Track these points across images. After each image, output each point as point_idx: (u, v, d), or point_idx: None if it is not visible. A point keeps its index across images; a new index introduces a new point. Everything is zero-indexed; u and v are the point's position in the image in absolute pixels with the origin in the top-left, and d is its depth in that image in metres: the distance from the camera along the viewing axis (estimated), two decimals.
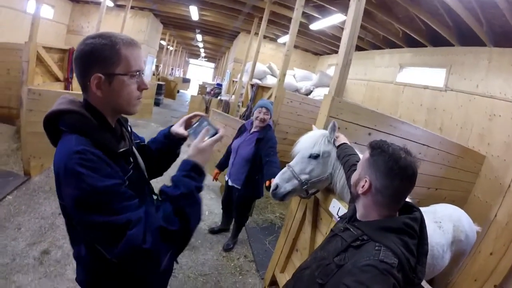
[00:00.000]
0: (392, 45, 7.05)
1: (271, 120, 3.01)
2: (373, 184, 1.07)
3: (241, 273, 3.06)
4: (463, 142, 4.60)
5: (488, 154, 4.35)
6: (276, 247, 2.85)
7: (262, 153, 2.82)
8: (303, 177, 1.91)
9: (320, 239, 2.19)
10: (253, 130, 3.03)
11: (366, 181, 1.08)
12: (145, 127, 8.17)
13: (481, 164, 4.35)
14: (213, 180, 3.43)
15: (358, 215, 1.16)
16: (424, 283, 1.26)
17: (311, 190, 2.04)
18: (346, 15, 5.85)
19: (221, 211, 3.69)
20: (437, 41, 5.65)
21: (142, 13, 9.83)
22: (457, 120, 5.07)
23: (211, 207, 4.30)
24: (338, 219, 1.62)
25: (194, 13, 8.94)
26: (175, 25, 12.78)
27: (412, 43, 6.38)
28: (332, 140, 1.98)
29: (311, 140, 1.99)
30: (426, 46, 6.02)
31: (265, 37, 9.36)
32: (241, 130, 3.20)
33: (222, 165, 3.35)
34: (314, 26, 7.11)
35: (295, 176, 1.91)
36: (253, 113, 3.04)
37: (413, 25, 5.71)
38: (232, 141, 3.23)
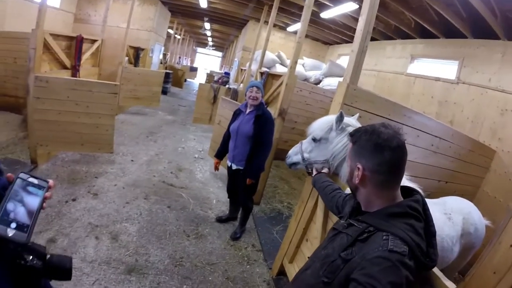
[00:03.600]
0: (404, 36, 6.91)
1: (262, 99, 3.13)
2: (366, 167, 1.05)
3: (248, 263, 3.09)
4: (474, 136, 4.53)
5: (499, 149, 4.30)
6: (285, 236, 2.85)
7: (261, 132, 3.00)
8: (305, 155, 2.14)
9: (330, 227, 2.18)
10: (248, 110, 3.12)
11: (358, 168, 1.06)
12: (153, 115, 8.21)
13: (491, 159, 4.30)
14: (215, 170, 3.51)
15: (362, 206, 1.14)
16: (436, 270, 1.25)
17: (310, 169, 2.17)
18: (358, 3, 5.85)
19: (228, 200, 3.72)
20: (450, 32, 5.53)
21: (150, 0, 9.73)
22: (468, 114, 5.01)
23: (219, 195, 4.32)
24: None
25: (203, 1, 8.84)
26: (183, 13, 12.66)
27: (425, 34, 6.25)
28: (339, 128, 2.01)
29: (318, 124, 2.14)
30: (438, 38, 5.89)
31: (274, 25, 9.21)
32: (237, 113, 3.24)
33: (221, 153, 3.40)
34: (325, 15, 6.98)
35: (300, 151, 2.16)
36: (245, 94, 3.13)
37: (426, 16, 5.58)
38: (229, 127, 3.26)
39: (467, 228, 2.31)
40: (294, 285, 1.28)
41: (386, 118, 2.51)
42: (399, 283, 0.85)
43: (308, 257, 1.37)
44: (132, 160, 4.75)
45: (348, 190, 1.75)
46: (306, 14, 4.39)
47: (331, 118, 2.08)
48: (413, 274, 0.90)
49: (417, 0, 5.38)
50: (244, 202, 3.36)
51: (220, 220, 3.66)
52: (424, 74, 6.26)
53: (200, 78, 23.00)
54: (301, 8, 7.73)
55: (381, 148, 1.01)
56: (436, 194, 3.11)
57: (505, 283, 1.12)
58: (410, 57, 6.75)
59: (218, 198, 4.24)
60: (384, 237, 0.95)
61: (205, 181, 4.69)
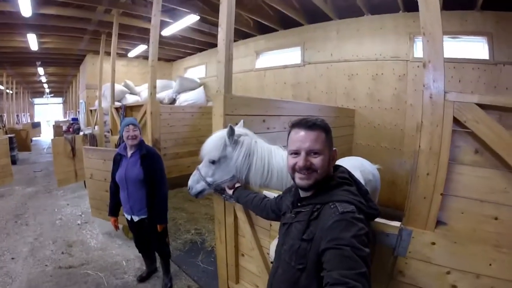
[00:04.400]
0: (245, 36, 7.44)
1: (141, 136, 2.83)
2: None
3: None
4: (333, 104, 5.34)
5: (356, 107, 5.19)
6: (218, 261, 2.65)
7: (153, 172, 2.75)
8: (209, 179, 2.01)
9: (263, 234, 2.12)
10: (130, 152, 2.77)
11: (335, 151, 1.23)
12: (11, 193, 6.47)
13: (353, 117, 5.14)
14: (116, 230, 3.09)
15: (312, 187, 1.18)
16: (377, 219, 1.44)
17: (219, 189, 2.11)
18: (198, 14, 5.98)
19: (139, 254, 3.28)
20: (288, 23, 6.29)
21: None
22: (321, 88, 5.83)
23: (125, 254, 3.72)
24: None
25: (33, 42, 7.62)
26: (12, 61, 11.03)
27: (264, 30, 6.92)
28: (233, 142, 1.96)
29: (210, 145, 2.00)
30: (278, 30, 6.61)
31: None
32: (118, 160, 2.84)
33: (114, 209, 2.96)
34: (166, 32, 6.85)
35: (202, 178, 2.02)
36: (121, 136, 2.81)
37: (262, 13, 6.16)
38: (113, 178, 2.85)
39: (367, 177, 2.75)
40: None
41: (265, 115, 2.66)
42: (359, 234, 0.99)
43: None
44: (12, 258, 3.63)
45: (270, 194, 1.83)
46: (154, 35, 4.21)
47: (220, 134, 2.01)
48: (366, 225, 1.06)
49: (251, 0, 5.85)
50: (161, 249, 3.02)
51: (142, 279, 3.16)
52: (272, 65, 6.94)
53: (46, 134, 20.34)
54: (140, 30, 7.47)
55: (330, 130, 1.21)
56: None
57: (435, 201, 1.38)
58: (255, 53, 7.34)
59: (127, 257, 3.64)
60: (332, 206, 1.09)
61: (102, 246, 3.97)
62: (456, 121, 1.35)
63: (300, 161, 1.15)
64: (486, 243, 1.25)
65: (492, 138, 1.27)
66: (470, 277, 1.25)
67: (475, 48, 4.50)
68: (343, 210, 1.04)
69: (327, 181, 1.17)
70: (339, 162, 2.83)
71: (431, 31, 1.39)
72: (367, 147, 5.08)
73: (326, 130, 1.18)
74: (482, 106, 1.30)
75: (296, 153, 1.18)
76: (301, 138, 1.16)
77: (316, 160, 1.14)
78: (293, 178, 1.21)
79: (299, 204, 1.25)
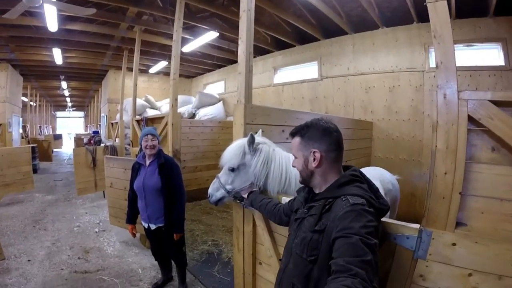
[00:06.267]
0: (263, 52, 7.64)
1: (160, 145, 2.91)
2: (321, 149, 1.23)
3: None
4: (350, 117, 5.32)
5: (374, 120, 5.15)
6: (235, 270, 2.62)
7: (170, 180, 2.79)
8: (228, 187, 2.05)
9: (280, 241, 2.10)
10: (149, 161, 2.83)
11: (314, 152, 1.24)
12: (31, 200, 6.69)
13: (371, 129, 5.10)
14: (133, 237, 3.14)
15: (317, 189, 1.29)
16: (396, 221, 1.47)
17: (239, 197, 2.12)
18: (218, 31, 6.18)
19: (155, 262, 3.29)
20: (305, 39, 6.43)
21: None
22: (339, 101, 5.84)
23: (142, 262, 3.73)
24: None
25: (57, 56, 7.97)
26: (37, 74, 11.43)
27: (282, 46, 7.08)
28: (252, 150, 2.00)
29: (230, 153, 2.05)
30: (295, 46, 6.73)
31: None
32: (136, 168, 2.91)
33: (132, 217, 3.01)
34: (187, 48, 7.10)
35: (222, 186, 2.06)
36: (140, 145, 2.89)
37: (280, 29, 6.33)
38: (131, 186, 2.91)
39: (387, 187, 2.73)
40: (282, 285, 1.32)
41: (284, 125, 2.71)
42: (368, 225, 1.03)
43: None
44: (29, 260, 3.72)
45: (288, 199, 1.81)
46: (176, 50, 4.36)
47: (240, 143, 2.06)
48: (375, 218, 1.09)
49: (268, 17, 6.03)
50: (177, 258, 3.02)
51: (157, 287, 3.15)
52: (289, 80, 7.03)
53: (67, 146, 20.96)
54: (162, 47, 7.76)
55: (328, 131, 1.24)
56: None
57: (454, 201, 1.36)
58: (273, 69, 7.50)
59: (143, 266, 3.65)
60: (343, 199, 1.13)
61: (119, 253, 4.00)
62: (471, 119, 1.36)
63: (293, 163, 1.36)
64: (509, 242, 1.21)
65: (508, 134, 1.27)
66: (492, 278, 1.20)
67: (490, 55, 4.45)
68: (354, 202, 1.09)
69: (339, 179, 1.23)
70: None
71: (441, 33, 1.42)
72: (385, 160, 5.00)
73: (302, 135, 1.29)
74: (496, 102, 1.31)
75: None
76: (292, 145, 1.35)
77: (296, 163, 1.32)
78: None
79: (311, 201, 1.31)
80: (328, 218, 1.14)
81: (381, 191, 2.63)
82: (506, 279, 1.18)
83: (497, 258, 1.20)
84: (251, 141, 1.97)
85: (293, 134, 1.33)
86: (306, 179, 1.30)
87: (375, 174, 2.83)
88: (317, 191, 1.30)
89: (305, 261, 1.17)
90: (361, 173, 1.30)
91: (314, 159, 1.23)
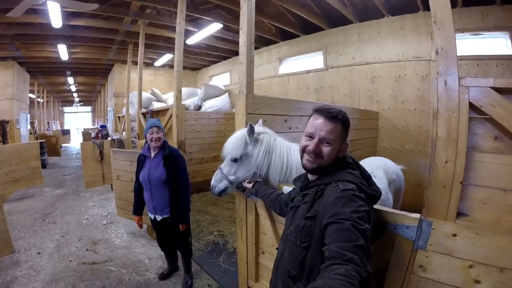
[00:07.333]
0: (268, 42, 7.56)
1: (165, 137, 2.91)
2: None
3: None
4: (356, 107, 5.25)
5: (380, 110, 5.07)
6: (238, 260, 2.66)
7: (175, 172, 2.78)
8: (231, 177, 2.07)
9: (282, 230, 2.11)
10: (154, 153, 2.85)
11: (347, 144, 1.26)
12: (40, 194, 6.84)
13: (377, 119, 5.03)
14: (140, 228, 3.16)
15: (315, 171, 1.26)
16: (396, 211, 1.45)
17: (241, 187, 2.13)
18: (221, 23, 6.14)
19: (162, 253, 3.34)
20: (310, 28, 6.32)
21: (5, 63, 8.60)
22: (345, 91, 5.76)
23: (148, 253, 3.80)
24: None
25: (63, 52, 8.05)
26: (43, 71, 11.57)
27: (287, 36, 6.98)
28: (253, 140, 2.00)
29: (232, 144, 2.05)
30: (299, 36, 6.64)
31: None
32: (141, 160, 2.93)
33: (138, 209, 3.04)
34: (191, 41, 7.07)
35: (224, 177, 2.07)
36: (145, 137, 2.88)
37: (284, 20, 6.24)
38: (137, 178, 2.93)
39: (390, 177, 2.70)
40: (278, 273, 1.33)
41: (286, 115, 2.69)
42: (358, 210, 1.03)
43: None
44: (38, 253, 3.82)
45: (289, 189, 1.81)
46: (179, 42, 4.34)
47: (241, 133, 2.06)
48: (366, 204, 1.09)
49: (273, 7, 5.95)
50: (183, 248, 3.06)
51: (163, 277, 3.21)
52: (295, 71, 6.96)
53: (75, 141, 21.29)
54: (166, 39, 7.74)
55: (349, 125, 1.25)
56: None
57: (455, 190, 1.33)
58: (278, 60, 7.42)
59: (149, 256, 3.72)
60: (334, 185, 1.15)
61: (126, 244, 4.08)
62: (472, 107, 1.32)
63: (311, 145, 1.21)
64: None
65: (511, 122, 1.24)
66: (494, 270, 1.17)
67: (498, 44, 4.31)
68: (344, 188, 1.10)
69: (332, 166, 1.23)
70: (363, 162, 2.82)
71: (442, 19, 1.38)
72: (391, 150, 4.95)
73: (345, 125, 1.22)
74: (498, 90, 1.27)
75: (310, 136, 1.23)
76: (319, 125, 1.21)
77: (326, 149, 1.20)
78: (301, 158, 1.29)
79: (306, 187, 1.31)
80: (320, 204, 1.15)
81: (385, 181, 2.65)
82: (508, 272, 1.14)
83: (500, 250, 1.17)
84: (251, 131, 1.98)
85: (331, 118, 1.19)
86: (325, 165, 1.22)
87: (379, 164, 2.83)
88: (310, 179, 1.31)
89: (299, 248, 1.18)
90: (353, 160, 1.30)
91: (343, 151, 1.26)
